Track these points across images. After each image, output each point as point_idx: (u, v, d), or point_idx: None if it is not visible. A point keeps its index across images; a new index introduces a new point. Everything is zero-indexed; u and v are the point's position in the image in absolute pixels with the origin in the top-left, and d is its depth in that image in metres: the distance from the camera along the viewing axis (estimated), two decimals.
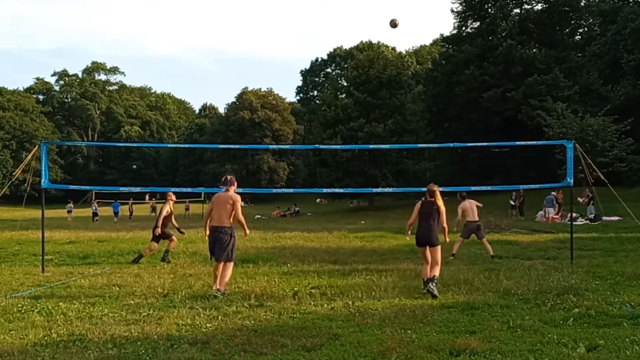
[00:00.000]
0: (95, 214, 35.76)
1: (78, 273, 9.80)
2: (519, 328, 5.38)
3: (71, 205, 37.72)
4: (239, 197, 7.70)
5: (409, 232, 8.09)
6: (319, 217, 33.71)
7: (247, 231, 8.03)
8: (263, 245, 13.25)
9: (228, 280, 7.69)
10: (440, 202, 7.49)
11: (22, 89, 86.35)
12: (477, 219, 11.67)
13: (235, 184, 7.84)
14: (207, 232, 7.73)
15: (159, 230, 11.33)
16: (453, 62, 41.87)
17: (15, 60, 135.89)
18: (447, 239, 7.81)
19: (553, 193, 23.61)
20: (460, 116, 40.43)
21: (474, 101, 38.41)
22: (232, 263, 7.71)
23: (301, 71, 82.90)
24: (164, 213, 11.50)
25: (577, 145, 10.59)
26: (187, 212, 39.39)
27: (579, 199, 22.03)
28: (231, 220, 7.60)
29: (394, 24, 13.05)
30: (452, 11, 43.02)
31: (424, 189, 7.71)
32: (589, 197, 21.52)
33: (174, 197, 11.87)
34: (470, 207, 11.58)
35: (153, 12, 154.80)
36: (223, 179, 7.89)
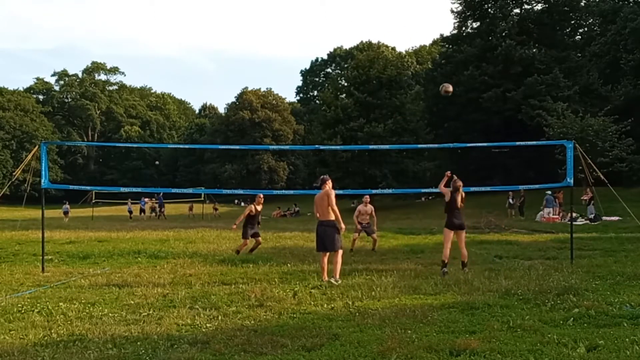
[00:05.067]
0: (130, 212, 37.35)
1: (78, 273, 9.79)
2: (519, 328, 5.37)
3: (67, 206, 37.72)
4: (333, 192, 8.32)
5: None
6: None
7: (342, 225, 8.37)
8: (263, 245, 13.22)
9: (340, 267, 8.37)
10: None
11: (22, 89, 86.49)
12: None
13: (329, 181, 8.46)
14: None
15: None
16: (453, 62, 41.88)
17: (15, 60, 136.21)
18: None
19: (549, 192, 23.53)
20: (460, 116, 40.40)
21: (474, 101, 38.39)
22: (341, 251, 8.40)
23: (301, 71, 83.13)
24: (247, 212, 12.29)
25: (577, 145, 10.57)
26: (191, 213, 39.49)
27: (582, 197, 21.99)
28: (332, 214, 8.26)
29: (445, 91, 11.97)
30: (452, 11, 43.08)
31: (424, 190, 7.98)
32: (589, 197, 21.52)
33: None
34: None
35: (153, 12, 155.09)
36: (318, 180, 8.70)
